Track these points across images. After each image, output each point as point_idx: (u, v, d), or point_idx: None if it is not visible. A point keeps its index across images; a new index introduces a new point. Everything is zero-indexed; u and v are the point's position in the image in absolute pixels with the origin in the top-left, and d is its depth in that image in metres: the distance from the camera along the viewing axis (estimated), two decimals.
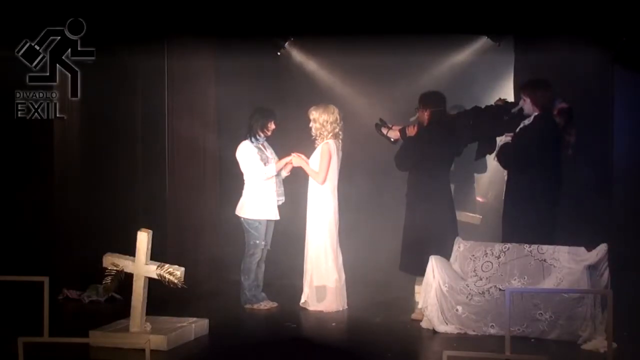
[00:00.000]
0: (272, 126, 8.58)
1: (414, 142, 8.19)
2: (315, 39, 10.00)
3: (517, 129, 7.91)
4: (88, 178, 9.48)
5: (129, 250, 7.23)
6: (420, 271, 7.89)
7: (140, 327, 7.14)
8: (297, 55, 10.69)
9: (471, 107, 8.38)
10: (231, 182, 9.86)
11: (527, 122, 7.89)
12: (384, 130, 8.55)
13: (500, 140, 8.08)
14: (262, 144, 8.61)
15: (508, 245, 7.77)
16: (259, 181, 8.53)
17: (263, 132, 8.58)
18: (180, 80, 9.66)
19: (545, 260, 7.59)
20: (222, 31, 8.90)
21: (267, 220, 8.58)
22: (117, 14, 8.54)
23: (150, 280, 7.19)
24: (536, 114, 7.84)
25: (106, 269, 7.19)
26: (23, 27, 8.52)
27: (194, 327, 7.40)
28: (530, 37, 8.61)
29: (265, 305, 8.52)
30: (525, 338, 7.26)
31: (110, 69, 9.28)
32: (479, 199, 10.08)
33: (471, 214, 9.39)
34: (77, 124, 9.58)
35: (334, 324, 8.03)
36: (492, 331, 7.42)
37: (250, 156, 8.52)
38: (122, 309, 7.87)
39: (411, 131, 8.27)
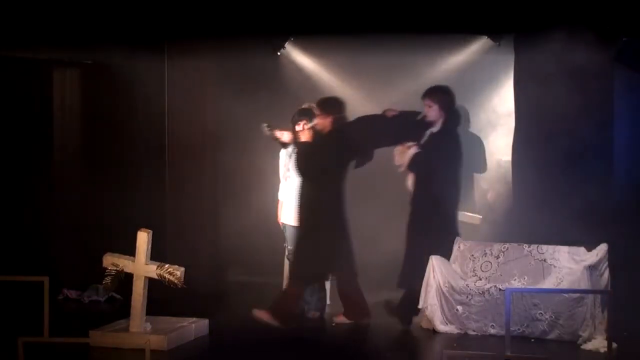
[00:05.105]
0: (296, 131, 8.01)
1: (310, 147, 7.86)
2: (315, 39, 9.99)
3: (425, 137, 7.78)
4: (88, 178, 9.49)
5: (129, 250, 7.23)
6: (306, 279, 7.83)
7: (140, 327, 7.14)
8: (297, 55, 10.69)
9: (359, 117, 8.05)
10: (230, 182, 9.88)
11: (435, 129, 7.78)
12: (278, 134, 8.00)
13: (410, 150, 7.82)
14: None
15: (507, 245, 7.78)
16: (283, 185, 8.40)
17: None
18: (180, 80, 9.66)
19: (545, 260, 7.60)
20: (222, 32, 8.90)
21: (289, 225, 8.29)
22: (115, 17, 8.55)
23: (150, 280, 7.19)
24: (442, 119, 7.77)
25: (106, 269, 7.20)
26: (22, 28, 8.55)
27: (194, 327, 7.40)
28: (530, 37, 8.60)
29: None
30: (525, 338, 7.27)
31: (111, 71, 9.31)
32: (481, 199, 10.06)
33: (471, 214, 9.36)
34: (78, 124, 9.61)
35: (334, 324, 8.03)
36: (492, 331, 7.43)
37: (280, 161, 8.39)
38: (122, 309, 7.87)
39: (305, 136, 7.91)
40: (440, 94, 7.85)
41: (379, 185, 9.95)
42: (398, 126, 7.88)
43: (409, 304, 7.80)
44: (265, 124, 8.00)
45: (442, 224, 7.80)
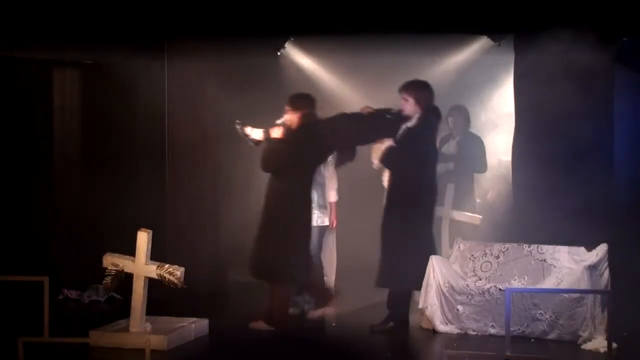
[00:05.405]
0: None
1: (280, 144, 7.79)
2: (315, 39, 9.99)
3: (401, 132, 7.71)
4: (88, 178, 9.49)
5: (129, 250, 7.23)
6: (271, 276, 7.70)
7: (140, 327, 7.14)
8: (297, 55, 10.69)
9: (337, 114, 8.03)
10: (230, 182, 9.87)
11: (410, 124, 7.71)
12: (248, 132, 7.96)
13: (384, 145, 7.76)
14: None
15: (507, 245, 7.79)
16: None
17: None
18: (180, 80, 9.66)
19: (545, 260, 7.61)
20: (222, 32, 8.90)
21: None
22: (115, 17, 8.55)
23: (150, 280, 7.19)
24: (418, 115, 7.71)
25: (106, 269, 7.20)
26: (22, 28, 8.55)
27: (194, 327, 7.41)
28: (530, 37, 8.61)
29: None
30: (525, 338, 7.27)
31: (111, 71, 9.31)
32: (481, 199, 10.06)
33: (471, 214, 9.36)
34: (78, 124, 9.61)
35: (334, 324, 8.03)
36: (492, 331, 7.43)
37: None
38: (122, 309, 7.87)
39: (277, 132, 7.85)
40: (417, 89, 7.79)
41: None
42: (375, 123, 7.81)
43: (398, 303, 7.79)
44: (237, 121, 7.99)
45: (418, 220, 7.70)
